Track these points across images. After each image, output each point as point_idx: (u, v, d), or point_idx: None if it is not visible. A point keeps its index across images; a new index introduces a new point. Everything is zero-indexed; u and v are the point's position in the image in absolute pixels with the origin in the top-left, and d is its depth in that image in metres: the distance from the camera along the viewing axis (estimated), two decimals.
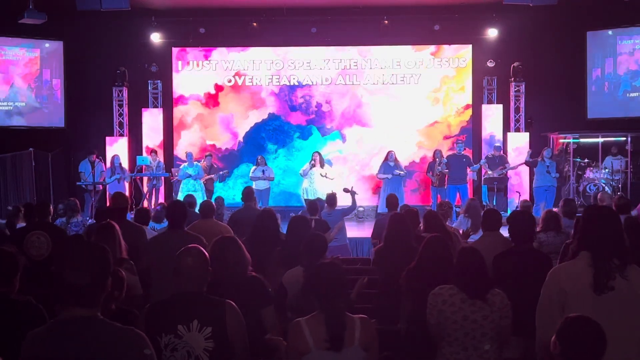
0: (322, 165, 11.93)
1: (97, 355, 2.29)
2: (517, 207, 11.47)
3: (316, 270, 3.20)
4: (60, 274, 2.33)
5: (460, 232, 6.71)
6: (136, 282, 4.30)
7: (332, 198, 8.15)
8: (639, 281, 2.94)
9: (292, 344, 3.02)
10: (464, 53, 13.82)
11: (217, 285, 3.41)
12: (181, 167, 12.37)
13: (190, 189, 11.87)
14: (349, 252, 8.36)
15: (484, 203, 12.47)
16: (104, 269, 2.38)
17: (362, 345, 2.98)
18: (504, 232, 5.13)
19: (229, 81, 13.93)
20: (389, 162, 12.15)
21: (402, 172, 12.15)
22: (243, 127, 13.94)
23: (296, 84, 13.90)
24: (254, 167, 12.46)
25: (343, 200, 8.91)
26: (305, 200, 11.12)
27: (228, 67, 13.91)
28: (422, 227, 5.71)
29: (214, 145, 13.80)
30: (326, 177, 11.65)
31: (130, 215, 7.58)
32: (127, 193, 12.14)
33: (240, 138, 13.94)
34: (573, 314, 2.64)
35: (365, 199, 13.15)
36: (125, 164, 12.96)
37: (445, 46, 13.80)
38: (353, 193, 8.60)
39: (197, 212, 8.21)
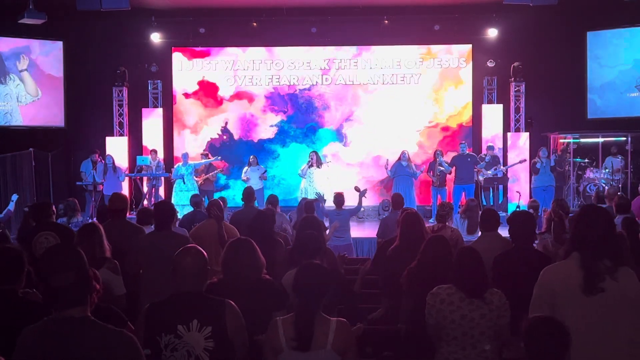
0: (319, 165, 11.94)
1: (88, 355, 2.32)
2: (517, 207, 11.47)
3: (298, 270, 3.20)
4: (44, 281, 2.36)
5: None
6: (119, 282, 4.29)
7: (339, 198, 8.26)
8: (629, 283, 2.93)
9: (268, 342, 3.03)
10: (464, 53, 13.82)
11: (231, 286, 3.41)
12: (175, 167, 12.39)
13: (183, 188, 11.89)
14: (352, 252, 8.42)
15: (483, 203, 12.49)
16: (82, 266, 2.40)
17: (335, 349, 2.95)
18: (502, 232, 5.15)
19: (229, 81, 13.93)
20: (402, 162, 12.15)
21: (417, 172, 12.20)
22: (243, 127, 13.94)
23: (296, 84, 13.90)
24: (246, 168, 12.46)
25: (348, 201, 8.90)
26: (302, 199, 11.12)
27: (228, 67, 13.92)
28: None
29: (214, 145, 13.80)
30: (329, 162, 11.74)
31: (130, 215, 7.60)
32: (125, 193, 12.17)
33: (240, 138, 13.93)
34: (536, 314, 2.67)
35: (366, 199, 13.13)
36: (125, 164, 12.98)
37: (446, 46, 13.80)
38: (362, 194, 8.64)
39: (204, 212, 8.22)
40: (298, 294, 3.04)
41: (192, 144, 13.79)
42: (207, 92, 13.95)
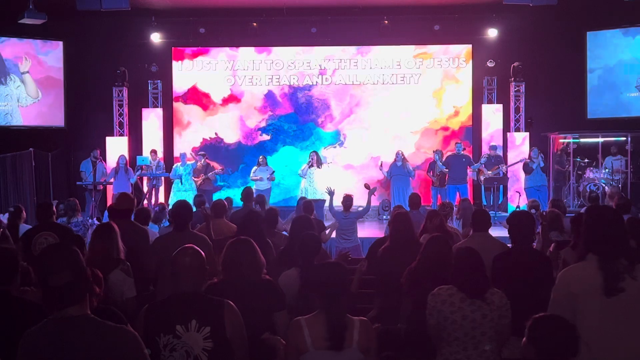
0: (319, 165, 11.94)
1: (91, 353, 2.33)
2: (517, 207, 11.47)
3: (319, 270, 3.20)
4: (43, 281, 2.37)
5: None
6: (131, 285, 4.28)
7: (348, 200, 8.18)
8: None
9: (291, 343, 3.02)
10: (464, 53, 13.82)
11: (231, 286, 3.41)
12: (174, 167, 12.39)
13: (180, 188, 11.90)
14: (361, 252, 8.40)
15: (484, 203, 12.49)
16: (80, 264, 2.41)
17: (359, 347, 2.97)
18: (493, 232, 5.15)
19: (229, 81, 13.93)
20: (397, 162, 12.17)
21: (412, 171, 12.19)
22: (243, 127, 13.94)
23: (296, 84, 13.90)
24: (255, 168, 12.45)
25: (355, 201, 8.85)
26: (300, 199, 11.10)
27: (228, 67, 13.92)
28: (421, 227, 5.72)
29: (213, 146, 13.80)
30: (330, 163, 11.73)
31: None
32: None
33: (240, 138, 13.94)
34: (539, 314, 2.66)
35: (365, 199, 13.10)
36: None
37: (445, 46, 13.80)
38: (371, 192, 8.59)
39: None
40: (322, 294, 3.03)
41: (192, 144, 13.77)
42: (207, 92, 13.95)
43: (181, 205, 5.22)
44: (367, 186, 8.94)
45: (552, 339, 2.52)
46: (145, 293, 4.85)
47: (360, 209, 8.60)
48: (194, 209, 7.83)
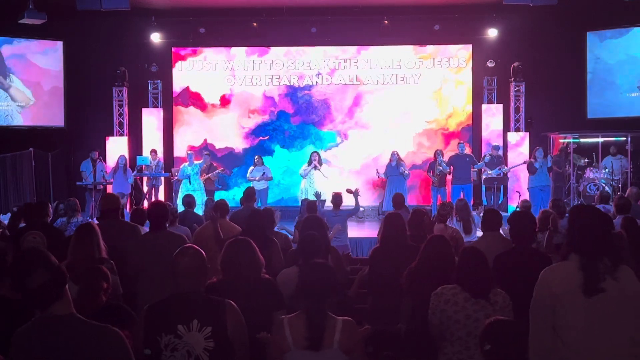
0: (320, 165, 11.94)
1: (79, 352, 2.36)
2: (517, 207, 11.47)
3: (306, 270, 3.20)
4: (21, 286, 2.39)
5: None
6: (117, 282, 4.30)
7: (337, 198, 8.19)
8: (629, 282, 2.93)
9: (274, 341, 3.04)
10: (464, 53, 13.82)
11: (230, 286, 3.41)
12: (181, 166, 12.38)
13: (189, 188, 11.89)
14: (349, 252, 8.39)
15: (484, 203, 12.47)
16: (51, 262, 2.44)
17: (341, 348, 2.96)
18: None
19: (228, 81, 13.93)
20: (391, 163, 12.17)
21: (405, 172, 12.17)
22: (243, 128, 13.94)
23: (296, 84, 13.90)
24: (251, 168, 12.45)
25: (347, 201, 8.89)
26: (303, 200, 11.11)
27: (227, 67, 13.92)
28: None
29: (213, 146, 13.80)
30: (322, 175, 11.71)
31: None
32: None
33: (240, 138, 13.94)
34: (493, 317, 2.76)
35: (366, 199, 13.13)
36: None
37: (445, 46, 13.80)
38: (356, 194, 8.60)
39: (196, 212, 8.24)
40: (306, 294, 3.04)
41: (191, 144, 13.77)
42: (207, 92, 13.95)
43: (156, 205, 5.25)
44: (349, 191, 8.94)
45: (503, 344, 2.64)
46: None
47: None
48: (184, 208, 7.86)
